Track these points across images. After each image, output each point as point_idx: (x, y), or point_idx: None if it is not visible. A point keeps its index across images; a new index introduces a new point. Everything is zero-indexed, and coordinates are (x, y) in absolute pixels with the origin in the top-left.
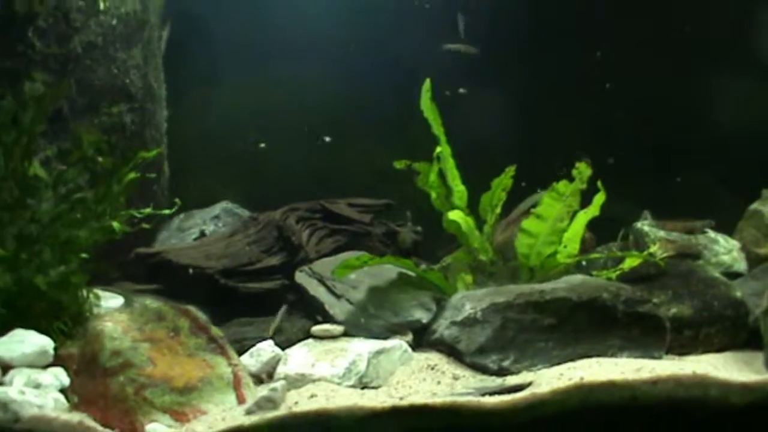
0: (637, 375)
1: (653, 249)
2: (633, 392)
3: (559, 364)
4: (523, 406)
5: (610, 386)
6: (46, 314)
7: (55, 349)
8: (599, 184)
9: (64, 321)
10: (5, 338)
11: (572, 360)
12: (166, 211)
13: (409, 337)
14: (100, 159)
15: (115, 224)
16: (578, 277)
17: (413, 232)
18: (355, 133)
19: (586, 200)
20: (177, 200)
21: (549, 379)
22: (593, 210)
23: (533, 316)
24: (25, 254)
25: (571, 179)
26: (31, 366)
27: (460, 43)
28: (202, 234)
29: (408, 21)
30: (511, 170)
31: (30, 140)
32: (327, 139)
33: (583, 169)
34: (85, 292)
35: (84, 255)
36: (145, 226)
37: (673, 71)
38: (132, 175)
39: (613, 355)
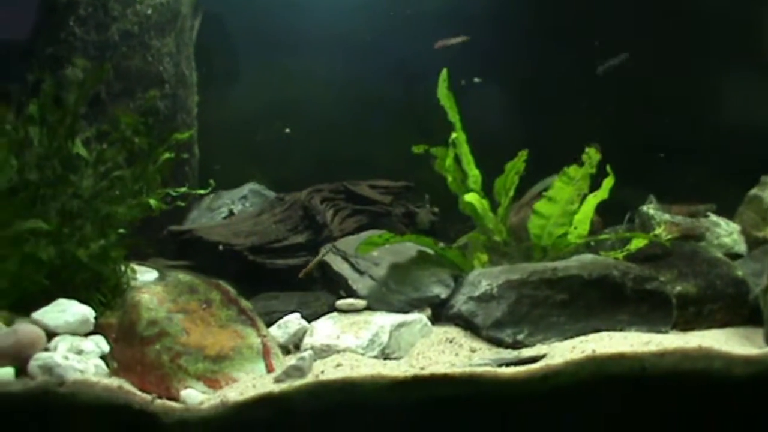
0: (646, 348)
1: (659, 231)
2: (642, 364)
3: (571, 337)
4: (538, 376)
5: (620, 358)
6: (87, 286)
7: (96, 318)
8: (608, 168)
9: (104, 292)
10: (49, 307)
11: (584, 334)
12: (201, 191)
13: (428, 311)
14: (136, 140)
15: (152, 201)
16: (588, 256)
17: (431, 213)
18: (376, 119)
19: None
20: (211, 181)
21: (562, 352)
22: (602, 193)
23: (546, 293)
24: (68, 228)
25: (581, 164)
26: (73, 333)
27: (451, 37)
28: (231, 213)
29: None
30: (523, 155)
31: (74, 120)
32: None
33: (592, 154)
34: (122, 266)
35: (122, 230)
36: (180, 203)
37: (679, 59)
38: (167, 155)
39: (622, 330)
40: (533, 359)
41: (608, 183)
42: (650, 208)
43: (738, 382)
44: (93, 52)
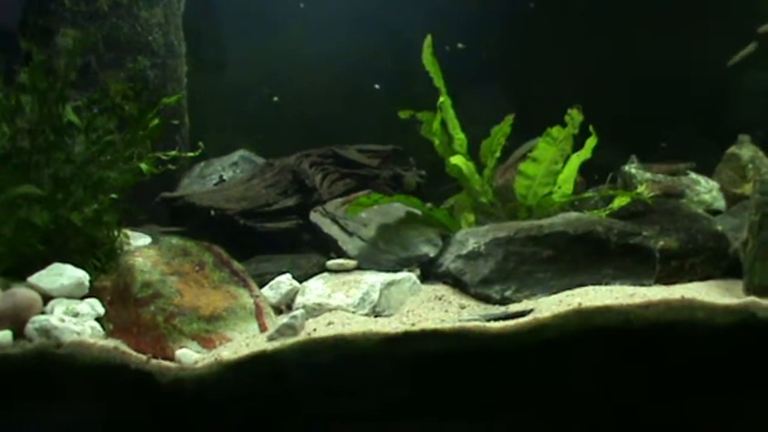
0: (630, 300)
1: (641, 189)
2: (627, 316)
3: (557, 292)
4: (526, 329)
5: (606, 310)
6: (82, 250)
7: (91, 281)
8: (591, 128)
9: (98, 256)
10: (44, 271)
11: (569, 289)
12: (191, 154)
13: (417, 270)
14: (126, 106)
15: (143, 165)
16: (573, 214)
17: (418, 175)
18: (364, 85)
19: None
20: (201, 143)
21: (549, 306)
22: (585, 153)
23: (533, 249)
24: (61, 194)
25: (564, 124)
26: (69, 297)
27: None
28: (222, 180)
29: None
30: (510, 119)
31: (64, 87)
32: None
33: (575, 115)
34: (116, 231)
35: (114, 196)
36: (171, 167)
37: (660, 20)
38: (156, 121)
39: (607, 284)
40: (521, 314)
41: (591, 143)
42: (632, 168)
43: (720, 331)
44: (82, 23)
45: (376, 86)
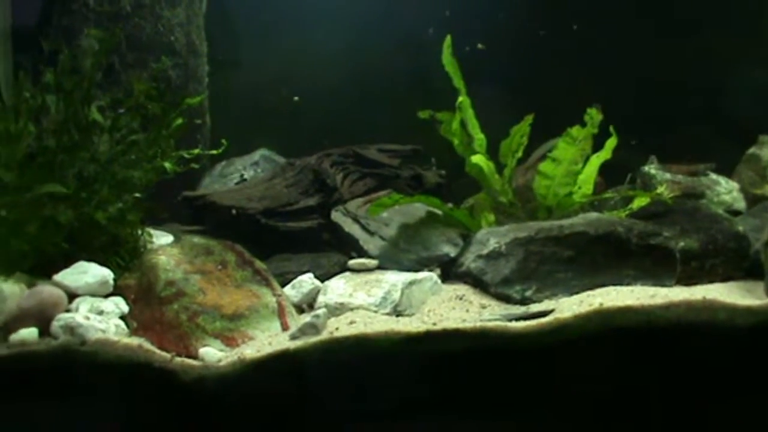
0: (652, 300)
1: (660, 189)
2: (648, 316)
3: (578, 293)
4: (547, 329)
5: (627, 311)
6: (106, 248)
7: (115, 279)
8: (611, 129)
9: (122, 255)
10: (69, 270)
11: (590, 289)
12: (215, 152)
13: (438, 270)
14: (149, 105)
15: (167, 164)
16: (593, 214)
17: (438, 175)
18: (384, 86)
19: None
20: (224, 141)
21: (570, 306)
22: (605, 153)
23: (553, 249)
24: (85, 192)
25: (583, 124)
26: (93, 295)
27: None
28: (243, 179)
29: None
30: (529, 118)
31: (89, 86)
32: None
33: (594, 115)
34: (139, 229)
35: (137, 195)
36: (194, 165)
37: (680, 20)
38: (179, 120)
39: (628, 284)
40: (542, 314)
41: (611, 143)
42: (651, 168)
43: (741, 332)
44: (106, 23)
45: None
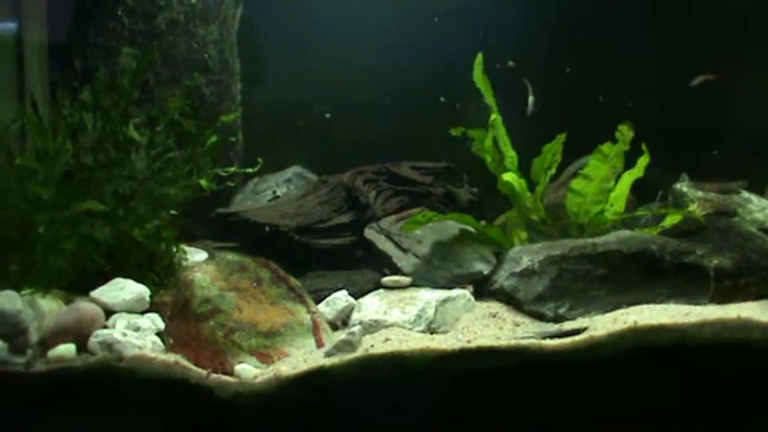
0: (686, 319)
1: (692, 207)
2: (682, 334)
3: (611, 310)
4: (582, 347)
5: (661, 329)
6: (142, 265)
7: (151, 296)
8: (643, 146)
9: (157, 271)
10: (107, 286)
11: (623, 307)
12: (250, 170)
13: (471, 287)
14: (184, 123)
15: (203, 181)
16: (626, 232)
17: (470, 192)
18: (417, 103)
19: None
20: (260, 159)
21: (603, 324)
22: (638, 171)
23: (587, 267)
24: (122, 209)
25: (615, 141)
26: (130, 311)
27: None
28: (276, 196)
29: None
30: (561, 137)
31: (127, 104)
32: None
33: (625, 132)
34: (175, 246)
35: (173, 212)
36: (230, 183)
37: (711, 39)
38: (214, 137)
39: (661, 303)
40: (576, 332)
41: (643, 161)
42: (683, 186)
43: None
44: (141, 41)
45: (442, 99)
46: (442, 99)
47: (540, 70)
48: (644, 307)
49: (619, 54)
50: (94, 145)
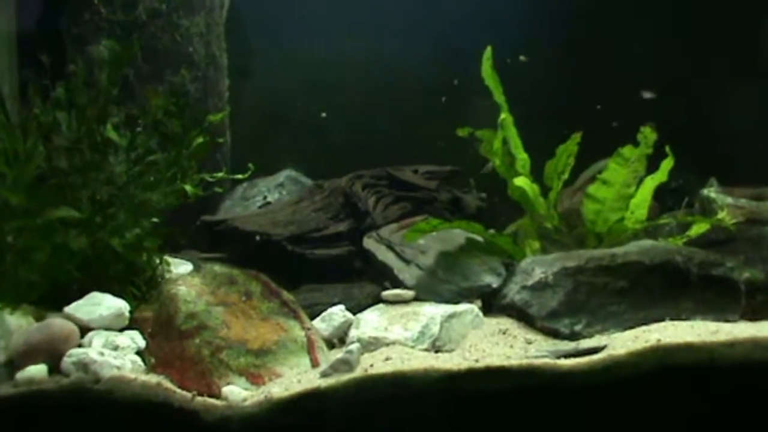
0: (714, 337)
1: (722, 215)
2: (710, 354)
3: (632, 327)
4: (600, 367)
5: (687, 348)
6: (121, 278)
7: (131, 312)
8: (667, 149)
9: (138, 285)
10: (82, 301)
11: (646, 324)
12: (239, 176)
13: (479, 301)
14: (168, 123)
15: (188, 187)
16: (648, 242)
17: (478, 199)
18: (420, 101)
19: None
20: (250, 164)
21: (623, 342)
22: (660, 175)
23: (605, 280)
24: (100, 217)
25: (636, 144)
26: (108, 328)
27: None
28: (267, 202)
29: None
30: (576, 137)
31: (106, 102)
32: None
33: (648, 134)
34: (157, 257)
35: (155, 219)
36: (218, 189)
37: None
38: (200, 138)
39: (687, 319)
40: (593, 350)
41: (667, 165)
42: (711, 191)
43: None
44: (119, 33)
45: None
46: (443, 99)
47: (553, 65)
48: (668, 323)
49: (640, 48)
50: (69, 146)
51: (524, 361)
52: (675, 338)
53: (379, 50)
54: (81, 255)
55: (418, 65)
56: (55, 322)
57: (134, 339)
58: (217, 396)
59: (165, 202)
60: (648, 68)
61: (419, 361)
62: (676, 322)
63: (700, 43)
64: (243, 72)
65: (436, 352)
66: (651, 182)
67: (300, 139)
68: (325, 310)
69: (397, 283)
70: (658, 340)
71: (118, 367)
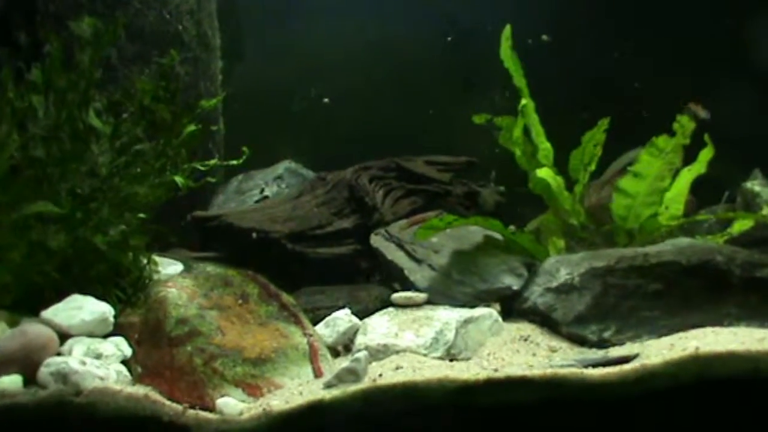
0: (760, 345)
1: (766, 211)
2: (756, 364)
3: (667, 334)
4: (632, 378)
5: (729, 357)
6: (104, 279)
7: (115, 317)
8: (706, 137)
9: (123, 287)
10: (61, 305)
11: (683, 330)
12: (234, 162)
13: (498, 305)
14: (155, 109)
15: (178, 179)
16: (685, 240)
17: (496, 193)
18: (429, 84)
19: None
20: (244, 149)
21: (658, 351)
22: (699, 167)
23: (637, 282)
24: (81, 212)
25: (672, 133)
26: (90, 335)
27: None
28: (264, 196)
29: None
30: (604, 123)
31: (88, 85)
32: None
33: (685, 123)
34: (144, 256)
35: (142, 215)
36: (211, 179)
37: None
38: (192, 126)
39: (728, 325)
40: (624, 359)
41: (705, 155)
42: (755, 184)
43: None
44: (101, 10)
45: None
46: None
47: (580, 44)
48: (708, 330)
49: (680, 24)
50: (46, 134)
51: (548, 371)
52: (716, 346)
53: (386, 29)
54: (60, 254)
55: (430, 45)
56: (31, 329)
57: (119, 346)
58: (211, 409)
59: (153, 196)
60: (688, 47)
61: (433, 370)
62: (716, 329)
63: (742, 23)
64: (237, 53)
65: (451, 360)
66: (688, 174)
67: (300, 127)
68: (328, 314)
69: (408, 285)
70: (697, 349)
71: (102, 378)
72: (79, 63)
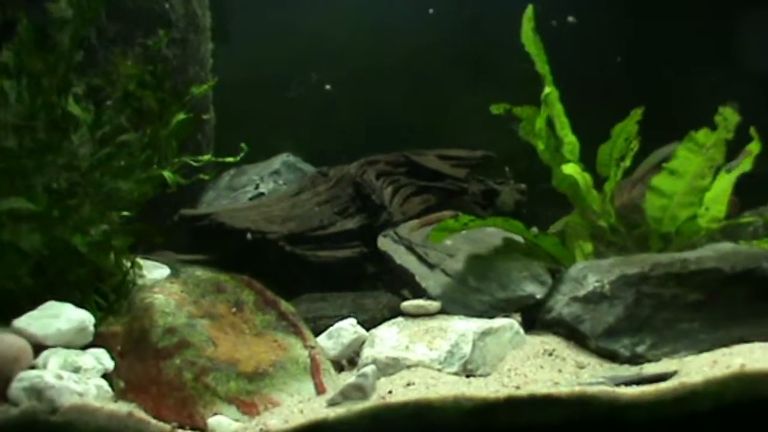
0: None
1: None
2: None
3: (708, 350)
4: (670, 398)
5: None
6: (83, 284)
7: (96, 325)
8: (752, 131)
9: (105, 292)
10: (36, 312)
11: (725, 345)
12: (230, 159)
13: (519, 316)
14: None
15: (166, 173)
16: (728, 245)
17: (516, 191)
18: (443, 71)
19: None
20: (243, 145)
21: (699, 367)
22: (743, 165)
23: (674, 291)
24: (58, 210)
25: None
26: (68, 346)
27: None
28: (259, 193)
29: None
30: (636, 114)
31: (67, 69)
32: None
33: (729, 115)
34: (128, 259)
35: (126, 213)
36: (204, 176)
37: None
38: (181, 115)
39: None
40: (661, 377)
41: (752, 150)
42: None
43: None
44: None
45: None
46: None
47: (609, 27)
48: (755, 345)
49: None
50: (19, 123)
51: (576, 389)
52: (763, 363)
53: (394, 9)
54: (34, 256)
55: (442, 28)
56: (2, 339)
57: (100, 359)
58: (202, 428)
59: (138, 192)
60: (728, 33)
61: (447, 387)
62: (764, 344)
63: None
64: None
65: (468, 376)
66: (731, 173)
67: (299, 117)
68: (332, 324)
69: (420, 293)
70: (743, 366)
71: (80, 394)
72: (58, 44)
